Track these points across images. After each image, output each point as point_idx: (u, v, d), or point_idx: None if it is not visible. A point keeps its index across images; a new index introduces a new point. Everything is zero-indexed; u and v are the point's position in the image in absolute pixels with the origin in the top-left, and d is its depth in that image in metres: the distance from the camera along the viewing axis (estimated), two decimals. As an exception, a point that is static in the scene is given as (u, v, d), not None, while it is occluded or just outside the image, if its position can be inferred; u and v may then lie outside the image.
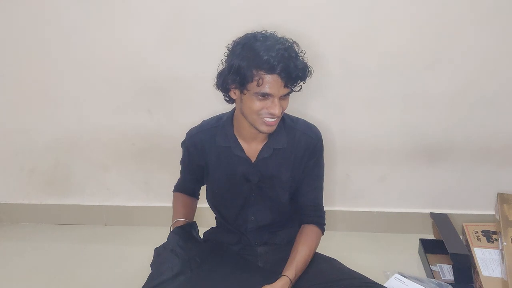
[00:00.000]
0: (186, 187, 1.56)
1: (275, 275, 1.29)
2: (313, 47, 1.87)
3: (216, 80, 1.30)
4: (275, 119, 1.24)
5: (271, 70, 1.17)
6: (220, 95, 1.33)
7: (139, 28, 1.96)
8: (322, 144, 1.41)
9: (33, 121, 2.16)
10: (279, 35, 1.26)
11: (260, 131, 1.28)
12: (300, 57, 1.24)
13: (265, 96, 1.20)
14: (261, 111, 1.23)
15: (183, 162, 1.50)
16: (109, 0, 1.93)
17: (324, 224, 1.44)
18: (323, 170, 1.44)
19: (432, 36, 1.88)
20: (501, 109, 1.96)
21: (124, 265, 1.95)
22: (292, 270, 1.28)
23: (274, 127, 1.27)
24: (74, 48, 2.01)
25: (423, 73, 1.93)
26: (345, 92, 1.98)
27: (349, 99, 1.99)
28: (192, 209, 1.57)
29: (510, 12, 1.82)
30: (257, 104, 1.22)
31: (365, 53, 1.92)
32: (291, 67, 1.18)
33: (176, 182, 1.59)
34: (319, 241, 1.40)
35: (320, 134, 1.41)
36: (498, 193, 2.02)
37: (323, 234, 1.43)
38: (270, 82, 1.18)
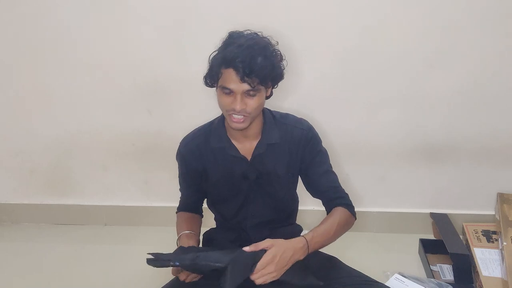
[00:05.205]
0: (188, 204, 1.53)
1: None
2: (313, 47, 1.89)
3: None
4: (241, 117, 1.25)
5: (227, 64, 1.20)
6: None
7: (139, 28, 1.96)
8: (316, 133, 1.41)
9: (33, 121, 2.16)
10: (265, 34, 1.27)
11: (232, 128, 1.29)
12: (272, 57, 1.23)
13: (227, 91, 1.22)
14: (228, 107, 1.24)
15: (181, 174, 1.48)
16: (109, 0, 1.93)
17: (350, 205, 1.38)
18: (327, 156, 1.43)
19: (433, 36, 1.87)
20: (501, 109, 1.95)
21: (124, 265, 1.94)
22: (310, 233, 1.27)
23: (243, 125, 1.27)
24: (74, 48, 2.01)
25: (423, 73, 1.93)
26: (345, 92, 1.98)
27: (348, 99, 1.99)
28: (196, 223, 1.51)
29: (510, 12, 1.82)
30: (224, 100, 1.24)
31: (365, 53, 1.91)
32: (246, 62, 1.18)
33: (178, 204, 1.56)
34: (345, 217, 1.35)
35: (311, 125, 1.42)
36: (498, 193, 2.02)
37: (353, 215, 1.37)
38: (228, 76, 1.21)
